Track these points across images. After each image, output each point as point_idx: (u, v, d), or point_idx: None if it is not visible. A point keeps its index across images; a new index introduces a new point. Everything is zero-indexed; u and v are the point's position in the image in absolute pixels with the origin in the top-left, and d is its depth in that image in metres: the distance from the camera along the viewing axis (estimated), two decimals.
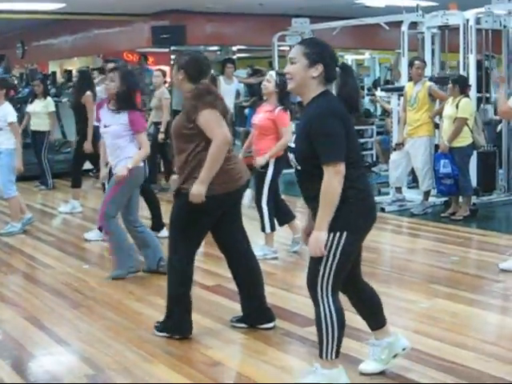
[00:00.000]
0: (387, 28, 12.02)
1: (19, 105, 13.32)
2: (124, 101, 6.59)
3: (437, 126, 9.78)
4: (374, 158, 14.45)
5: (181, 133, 5.06)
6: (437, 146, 9.60)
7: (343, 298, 4.31)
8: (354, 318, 5.28)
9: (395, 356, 4.48)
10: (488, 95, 10.79)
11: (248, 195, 7.46)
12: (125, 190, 6.69)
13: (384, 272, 7.04)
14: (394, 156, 10.06)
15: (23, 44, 22.22)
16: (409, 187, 10.55)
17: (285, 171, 7.98)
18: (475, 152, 9.58)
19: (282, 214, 7.62)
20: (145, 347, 4.98)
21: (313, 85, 3.99)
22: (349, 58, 20.31)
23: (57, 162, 13.19)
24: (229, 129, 5.17)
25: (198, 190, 4.90)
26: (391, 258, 7.94)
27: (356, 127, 12.49)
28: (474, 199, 9.61)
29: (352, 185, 3.92)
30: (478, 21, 10.03)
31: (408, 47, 10.62)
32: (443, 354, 4.70)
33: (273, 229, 7.46)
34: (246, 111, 14.80)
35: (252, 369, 4.68)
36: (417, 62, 9.75)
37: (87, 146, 9.68)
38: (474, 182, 9.62)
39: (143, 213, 8.51)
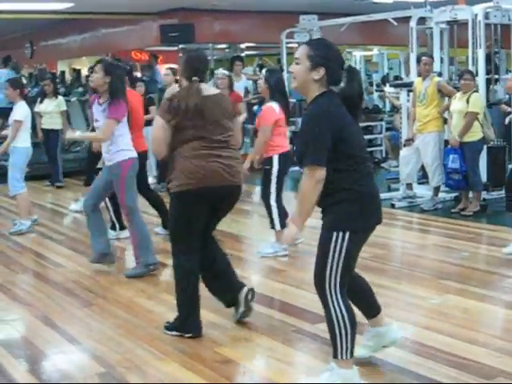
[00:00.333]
0: (395, 24, 11.99)
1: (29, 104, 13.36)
2: (112, 91, 6.66)
3: (445, 121, 9.76)
4: (384, 154, 14.44)
5: None
6: (446, 142, 9.59)
7: None
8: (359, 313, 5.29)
9: (385, 346, 4.54)
10: (497, 76, 10.77)
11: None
12: (130, 181, 6.84)
13: (394, 268, 7.04)
14: (404, 152, 10.05)
15: (32, 44, 22.26)
16: (419, 183, 10.53)
17: (292, 168, 8.01)
18: (485, 147, 9.57)
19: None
20: (156, 345, 4.99)
21: (315, 86, 4.03)
22: (357, 55, 20.29)
23: (66, 161, 13.21)
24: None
25: None
26: (401, 254, 7.93)
27: (365, 123, 12.51)
28: (483, 194, 9.59)
29: (347, 187, 3.98)
30: (486, 15, 10.01)
31: (417, 43, 10.60)
32: (454, 350, 4.69)
33: (283, 226, 7.45)
34: (255, 108, 14.80)
35: (263, 366, 4.69)
36: (424, 58, 9.74)
37: (94, 145, 9.71)
38: (483, 177, 9.61)
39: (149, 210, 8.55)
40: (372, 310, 4.52)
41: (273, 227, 7.50)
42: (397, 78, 16.59)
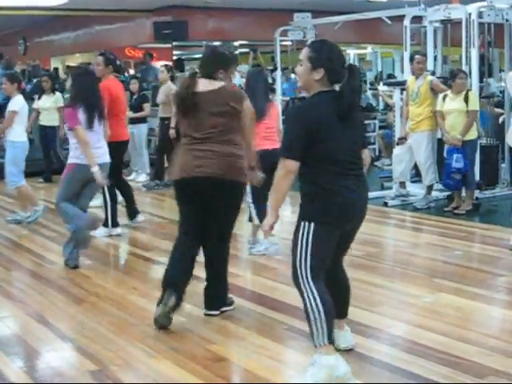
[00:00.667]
0: (389, 22, 12.00)
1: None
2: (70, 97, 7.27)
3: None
4: (377, 153, 14.45)
5: None
6: (439, 140, 9.59)
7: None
8: (360, 314, 5.30)
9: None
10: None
11: None
12: (66, 183, 7.21)
13: (387, 266, 7.04)
14: (397, 151, 10.06)
15: (25, 40, 22.23)
16: (412, 181, 10.55)
17: None
18: (478, 147, 9.61)
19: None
20: (148, 343, 4.98)
21: (316, 86, 4.26)
22: (351, 53, 20.30)
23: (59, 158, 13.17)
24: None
25: None
26: (394, 253, 7.93)
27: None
28: (476, 193, 9.60)
29: (314, 181, 4.22)
30: (480, 15, 10.02)
31: (411, 41, 10.61)
32: (447, 348, 4.70)
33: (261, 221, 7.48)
34: None
35: (256, 364, 4.68)
36: (417, 57, 9.74)
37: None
38: (476, 176, 9.62)
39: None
40: (337, 312, 4.49)
41: (250, 220, 7.55)
42: (390, 76, 16.62)
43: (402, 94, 10.53)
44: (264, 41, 16.03)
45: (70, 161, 7.14)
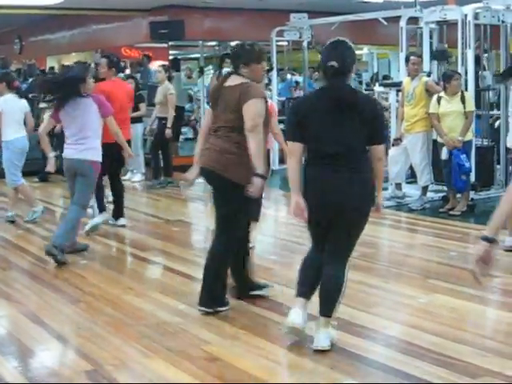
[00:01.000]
0: (385, 23, 12.01)
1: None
2: None
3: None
4: None
5: None
6: (435, 142, 9.60)
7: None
8: (355, 315, 5.32)
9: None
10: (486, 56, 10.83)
11: None
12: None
13: (382, 267, 7.06)
14: (392, 152, 10.06)
15: (21, 39, 22.18)
16: (407, 182, 10.56)
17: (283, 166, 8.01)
18: (473, 147, 9.64)
19: None
20: (144, 343, 4.98)
21: (321, 83, 4.87)
22: None
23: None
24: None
25: None
26: (389, 253, 7.94)
27: None
28: (471, 194, 9.62)
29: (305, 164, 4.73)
30: (476, 16, 10.04)
31: (407, 42, 10.63)
32: (441, 349, 4.71)
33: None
34: None
35: (251, 364, 4.68)
36: (412, 58, 9.76)
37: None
38: (472, 177, 9.63)
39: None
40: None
41: None
42: (386, 77, 16.62)
43: (397, 95, 10.54)
44: (260, 41, 15.94)
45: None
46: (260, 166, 5.27)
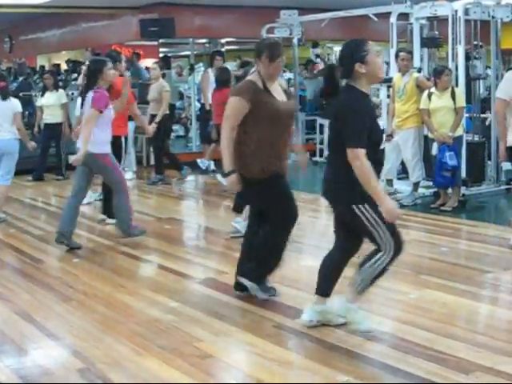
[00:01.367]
0: (376, 19, 12.02)
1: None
2: None
3: None
4: None
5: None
6: (426, 137, 9.61)
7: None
8: None
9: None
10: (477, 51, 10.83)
11: None
12: None
13: None
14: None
15: (11, 38, 22.13)
16: (398, 178, 10.57)
17: None
18: (464, 143, 9.66)
19: None
20: (136, 341, 4.98)
21: None
22: (337, 50, 20.30)
23: (50, 156, 13.11)
24: None
25: None
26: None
27: None
28: (463, 190, 9.64)
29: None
30: (466, 11, 10.05)
31: (397, 38, 10.64)
32: (433, 345, 4.71)
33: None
34: None
35: (243, 361, 4.69)
36: (402, 54, 9.76)
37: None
38: (463, 173, 9.66)
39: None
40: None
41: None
42: None
43: (388, 91, 10.55)
44: (251, 38, 15.99)
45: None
46: (224, 164, 5.48)
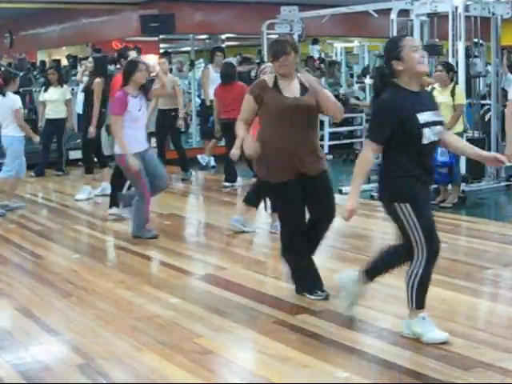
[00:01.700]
0: (376, 16, 12.01)
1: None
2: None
3: None
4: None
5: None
6: None
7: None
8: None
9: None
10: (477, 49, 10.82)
11: None
12: None
13: None
14: None
15: (11, 33, 22.10)
16: None
17: None
18: (464, 140, 9.64)
19: None
20: (136, 336, 4.98)
21: None
22: (338, 46, 20.28)
23: (52, 152, 13.10)
24: None
25: None
26: (381, 246, 7.91)
27: (345, 115, 12.59)
28: (463, 186, 9.64)
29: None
30: (466, 8, 10.04)
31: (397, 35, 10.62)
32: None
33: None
34: None
35: (243, 357, 4.70)
36: None
37: (91, 131, 9.87)
38: (463, 169, 9.66)
39: None
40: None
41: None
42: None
43: None
44: (251, 34, 15.98)
45: None
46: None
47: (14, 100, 9.35)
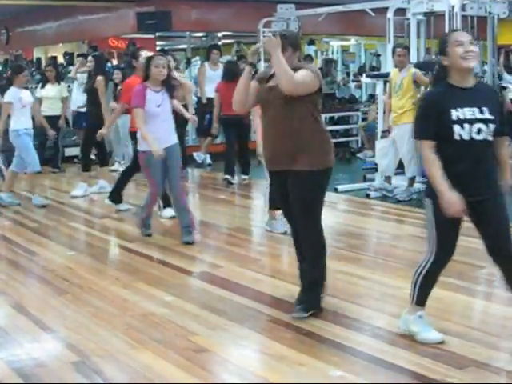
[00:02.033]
0: (373, 14, 12.01)
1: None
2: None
3: None
4: (360, 144, 14.48)
5: None
6: None
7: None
8: (342, 305, 5.33)
9: None
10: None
11: None
12: None
13: (369, 258, 7.06)
14: (381, 144, 10.07)
15: (7, 30, 22.06)
16: (394, 173, 10.55)
17: None
18: None
19: None
20: (131, 334, 4.98)
21: None
22: (334, 45, 20.30)
23: (48, 149, 13.09)
24: None
25: None
26: (376, 244, 7.95)
27: (342, 113, 12.63)
28: None
29: None
30: (463, 7, 10.04)
31: (394, 33, 10.63)
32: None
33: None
34: None
35: (238, 355, 4.69)
36: (398, 50, 9.75)
37: (104, 131, 9.76)
38: None
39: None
40: None
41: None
42: (374, 68, 16.63)
43: (385, 86, 10.54)
44: (248, 32, 15.98)
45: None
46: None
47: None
